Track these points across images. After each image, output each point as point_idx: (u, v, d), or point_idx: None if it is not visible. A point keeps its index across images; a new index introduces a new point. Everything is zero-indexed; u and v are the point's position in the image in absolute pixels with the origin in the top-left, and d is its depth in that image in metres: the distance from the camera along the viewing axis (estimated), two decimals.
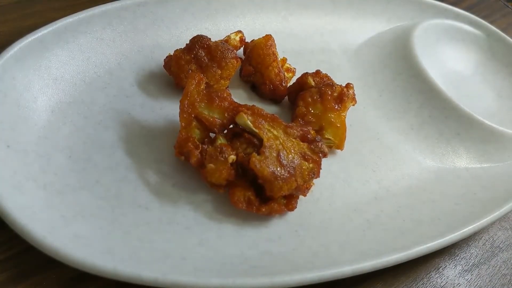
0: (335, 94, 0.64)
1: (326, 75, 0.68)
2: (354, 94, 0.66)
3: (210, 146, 0.54)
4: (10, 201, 0.45)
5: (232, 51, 0.64)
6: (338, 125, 0.64)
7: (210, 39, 0.63)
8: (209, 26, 0.73)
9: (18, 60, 0.56)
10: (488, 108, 0.81)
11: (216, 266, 0.48)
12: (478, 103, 0.80)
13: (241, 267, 0.49)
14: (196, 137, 0.56)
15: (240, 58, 0.67)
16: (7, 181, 0.47)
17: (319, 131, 0.63)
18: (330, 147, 0.64)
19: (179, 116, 0.54)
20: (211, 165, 0.53)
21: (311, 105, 0.63)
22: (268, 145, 0.54)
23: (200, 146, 0.54)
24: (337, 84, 0.65)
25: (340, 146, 0.65)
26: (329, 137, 0.64)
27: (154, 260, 0.47)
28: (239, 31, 0.72)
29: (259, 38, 0.69)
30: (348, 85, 0.66)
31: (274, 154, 0.54)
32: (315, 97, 0.63)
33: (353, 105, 0.66)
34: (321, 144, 0.57)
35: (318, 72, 0.68)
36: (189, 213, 0.54)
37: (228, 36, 0.71)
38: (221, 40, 0.68)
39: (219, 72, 0.62)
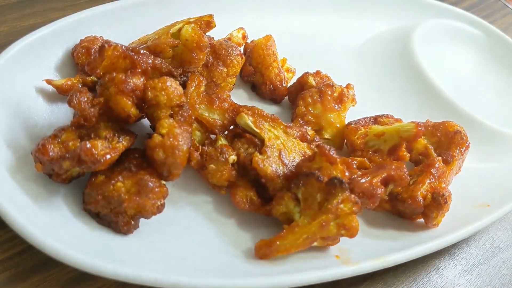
0: (335, 94, 0.64)
1: (326, 75, 0.68)
2: (354, 95, 0.66)
3: (210, 147, 0.55)
4: (10, 201, 0.45)
5: (236, 48, 0.64)
6: (338, 125, 0.64)
7: (213, 38, 0.63)
8: None
9: (18, 60, 0.56)
10: (488, 108, 0.81)
11: (216, 266, 0.48)
12: (478, 103, 0.80)
13: (241, 267, 0.49)
14: (197, 139, 0.56)
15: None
16: (7, 181, 0.47)
17: (319, 131, 0.63)
18: None
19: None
20: (212, 166, 0.53)
21: (311, 105, 0.63)
22: (270, 144, 0.55)
23: (200, 147, 0.55)
24: (337, 85, 0.65)
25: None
26: (328, 137, 0.64)
27: (154, 260, 0.47)
28: (241, 28, 0.72)
29: (259, 39, 0.69)
30: (348, 86, 0.66)
31: (276, 154, 0.54)
32: (315, 97, 0.63)
33: (353, 105, 0.66)
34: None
35: (318, 72, 0.68)
36: (189, 214, 0.54)
37: (231, 34, 0.71)
38: (224, 38, 0.68)
39: (225, 70, 0.63)
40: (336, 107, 0.64)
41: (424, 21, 0.87)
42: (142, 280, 0.43)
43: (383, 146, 0.62)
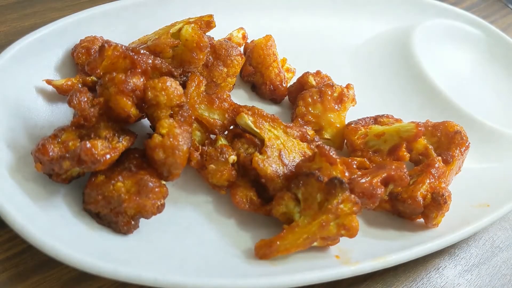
0: (335, 94, 0.64)
1: (326, 75, 0.69)
2: (354, 95, 0.66)
3: (210, 147, 0.55)
4: (10, 201, 0.45)
5: (236, 48, 0.64)
6: (338, 125, 0.64)
7: (213, 38, 0.64)
8: None
9: (18, 60, 0.56)
10: (488, 108, 0.81)
11: (216, 266, 0.48)
12: (478, 103, 0.80)
13: (241, 267, 0.49)
14: (197, 139, 0.56)
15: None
16: (7, 181, 0.47)
17: (319, 131, 0.63)
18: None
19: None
20: (212, 166, 0.53)
21: (311, 105, 0.63)
22: (270, 144, 0.55)
23: (200, 147, 0.55)
24: (337, 85, 0.65)
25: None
26: (328, 137, 0.64)
27: (154, 260, 0.47)
28: (241, 28, 0.72)
29: (259, 39, 0.69)
30: (348, 86, 0.66)
31: (276, 154, 0.54)
32: (315, 97, 0.63)
33: (353, 105, 0.66)
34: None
35: (318, 72, 0.68)
36: (189, 214, 0.54)
37: (231, 34, 0.71)
38: (224, 38, 0.68)
39: (225, 70, 0.63)
40: (336, 107, 0.64)
41: (424, 21, 0.87)
42: (142, 280, 0.43)
43: (383, 146, 0.62)
